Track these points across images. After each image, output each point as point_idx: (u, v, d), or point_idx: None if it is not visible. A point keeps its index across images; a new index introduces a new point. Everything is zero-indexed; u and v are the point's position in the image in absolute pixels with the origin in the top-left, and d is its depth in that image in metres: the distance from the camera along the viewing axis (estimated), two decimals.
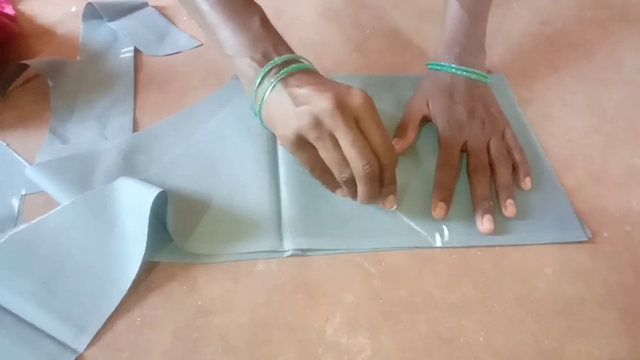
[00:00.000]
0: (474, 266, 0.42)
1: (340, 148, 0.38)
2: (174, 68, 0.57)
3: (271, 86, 0.40)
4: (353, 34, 0.64)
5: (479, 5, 0.53)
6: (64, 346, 0.36)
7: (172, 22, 0.63)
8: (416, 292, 0.40)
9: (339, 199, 0.45)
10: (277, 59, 0.41)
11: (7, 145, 0.48)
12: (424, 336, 0.38)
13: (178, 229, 0.41)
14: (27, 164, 0.46)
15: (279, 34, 0.43)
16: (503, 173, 0.46)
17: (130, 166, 0.46)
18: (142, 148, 0.48)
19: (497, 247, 0.43)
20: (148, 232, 0.38)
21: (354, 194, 0.41)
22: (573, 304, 0.40)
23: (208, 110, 0.51)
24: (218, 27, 0.43)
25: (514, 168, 0.47)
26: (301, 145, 0.39)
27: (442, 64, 0.52)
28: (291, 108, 0.38)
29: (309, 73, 0.41)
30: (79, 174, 0.44)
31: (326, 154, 0.39)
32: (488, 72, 0.59)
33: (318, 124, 0.37)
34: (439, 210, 0.43)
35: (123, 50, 0.58)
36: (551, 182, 0.48)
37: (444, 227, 0.43)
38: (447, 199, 0.44)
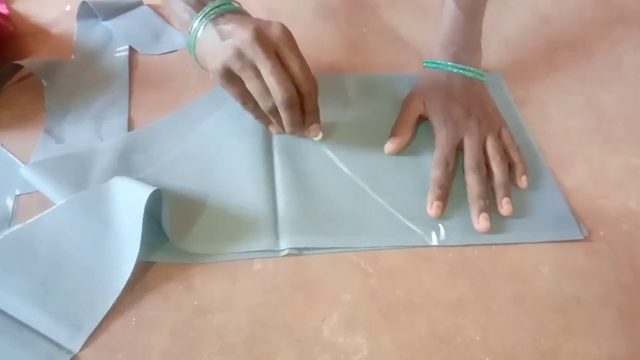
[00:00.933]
0: (470, 265, 0.42)
1: (262, 79, 0.41)
2: (169, 67, 0.57)
3: (203, 26, 0.43)
4: (349, 33, 0.63)
5: (475, 4, 0.53)
6: (59, 346, 0.35)
7: (167, 21, 0.63)
8: (413, 291, 0.40)
9: (335, 197, 0.45)
10: (210, 4, 0.44)
11: (2, 144, 0.47)
12: (421, 335, 0.37)
13: (175, 229, 0.40)
14: (22, 164, 0.45)
15: None
16: (499, 172, 0.46)
17: (125, 165, 0.45)
18: (138, 147, 0.47)
19: (494, 246, 0.43)
20: (144, 232, 0.38)
21: (280, 124, 0.44)
22: (570, 303, 0.40)
23: (204, 110, 0.51)
24: None
25: (510, 167, 0.47)
26: (229, 77, 0.42)
27: (438, 62, 0.52)
28: (218, 42, 0.42)
29: (238, 13, 0.45)
30: (74, 173, 0.44)
31: (250, 85, 0.42)
32: (485, 71, 0.59)
33: (240, 55, 0.40)
34: (435, 209, 0.43)
35: (118, 49, 0.58)
36: (547, 181, 0.48)
37: (441, 226, 0.43)
38: (443, 198, 0.44)
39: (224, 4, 0.44)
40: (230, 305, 0.38)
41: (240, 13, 0.45)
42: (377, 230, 0.43)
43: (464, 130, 0.48)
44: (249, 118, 0.50)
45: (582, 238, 0.43)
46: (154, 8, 0.64)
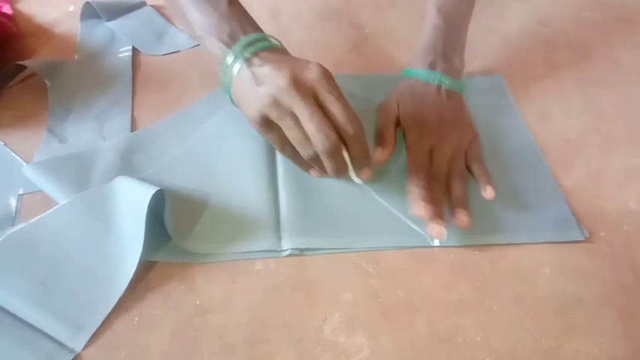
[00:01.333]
0: (471, 266, 0.42)
1: (301, 126, 0.38)
2: (172, 68, 0.57)
3: (237, 66, 0.40)
4: (351, 34, 0.64)
5: (457, 13, 0.52)
6: (62, 345, 0.35)
7: (170, 22, 0.63)
8: (414, 292, 0.40)
9: (337, 198, 0.45)
10: (243, 39, 0.41)
11: (5, 144, 0.48)
12: (422, 335, 0.38)
13: (177, 228, 0.41)
14: (24, 163, 0.46)
15: (246, 13, 0.44)
16: (456, 186, 0.45)
17: (128, 165, 0.46)
18: (141, 147, 0.48)
19: (495, 247, 0.43)
20: (146, 232, 0.38)
21: (323, 171, 0.41)
22: (571, 303, 0.40)
23: (206, 110, 0.51)
24: (187, 8, 0.43)
25: (476, 179, 0.46)
26: (267, 125, 0.40)
27: (415, 70, 0.51)
28: (254, 88, 0.39)
29: (273, 51, 0.41)
30: (77, 173, 0.44)
31: (288, 133, 0.39)
32: (488, 73, 0.59)
33: (276, 103, 0.38)
34: (424, 209, 0.42)
35: (121, 50, 0.58)
36: (548, 182, 0.48)
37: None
38: (426, 198, 0.43)
39: (259, 40, 0.41)
40: (231, 305, 0.38)
41: (275, 50, 0.42)
42: (379, 231, 0.43)
43: (434, 138, 0.47)
44: None
45: (583, 239, 0.44)
46: (157, 9, 0.64)
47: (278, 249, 0.41)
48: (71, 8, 0.63)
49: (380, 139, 0.48)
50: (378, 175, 0.47)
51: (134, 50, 0.58)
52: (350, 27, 0.65)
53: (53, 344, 0.35)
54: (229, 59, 0.41)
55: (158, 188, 0.39)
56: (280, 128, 0.39)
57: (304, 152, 0.40)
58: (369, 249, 0.42)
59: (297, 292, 0.39)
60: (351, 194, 0.45)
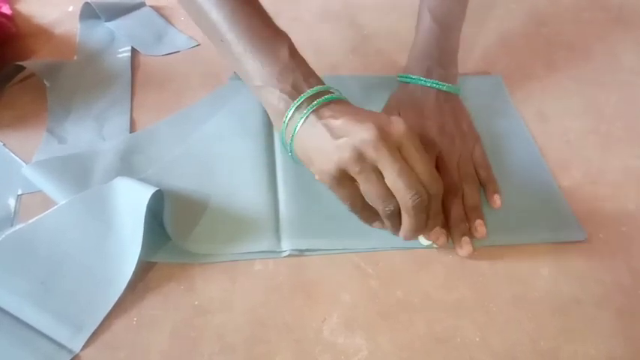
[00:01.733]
0: (470, 266, 0.42)
1: (384, 181, 0.36)
2: (171, 68, 0.57)
3: (303, 118, 0.38)
4: (351, 35, 0.64)
5: (451, 18, 0.52)
6: (61, 346, 0.36)
7: (170, 22, 0.63)
8: (413, 293, 0.40)
9: (336, 200, 0.45)
10: (309, 91, 0.39)
11: (4, 144, 0.48)
12: (421, 336, 0.38)
13: (177, 229, 0.41)
14: (24, 164, 0.46)
15: (308, 65, 0.41)
16: (470, 194, 0.45)
17: (127, 166, 0.46)
18: (140, 148, 0.48)
19: (494, 248, 0.43)
20: (145, 232, 0.38)
21: (397, 227, 0.38)
22: (569, 304, 0.40)
23: (206, 110, 0.51)
24: (245, 57, 0.41)
25: (483, 185, 0.47)
26: (342, 179, 0.37)
27: (412, 76, 0.51)
28: (329, 141, 0.36)
29: (342, 103, 0.40)
30: (77, 173, 0.44)
31: (369, 188, 0.36)
32: (486, 73, 0.59)
33: (360, 156, 0.35)
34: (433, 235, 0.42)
35: (120, 50, 0.58)
36: (547, 183, 0.48)
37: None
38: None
39: (324, 92, 0.39)
40: (230, 305, 0.39)
41: (343, 102, 0.40)
42: (378, 233, 0.43)
43: (438, 148, 0.46)
44: (251, 119, 0.50)
45: (583, 239, 0.44)
46: (157, 9, 0.64)
47: (277, 250, 0.41)
48: (70, 9, 0.63)
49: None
50: None
51: (133, 51, 0.58)
52: (349, 28, 0.65)
53: (52, 344, 0.35)
54: (293, 110, 0.38)
55: (157, 189, 0.39)
56: (355, 184, 0.37)
57: (385, 208, 0.37)
58: (368, 250, 0.42)
59: (297, 292, 0.40)
60: None
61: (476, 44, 0.63)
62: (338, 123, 0.37)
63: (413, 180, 0.36)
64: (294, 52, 0.41)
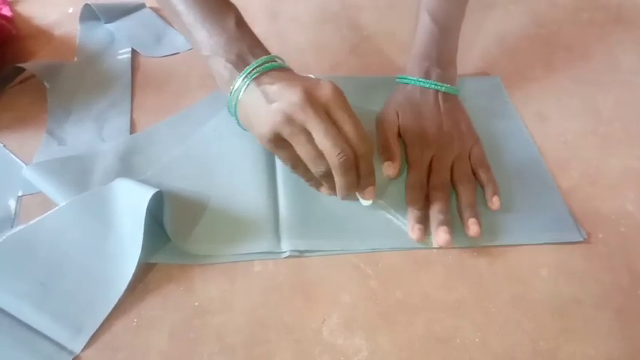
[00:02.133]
0: (469, 267, 0.42)
1: (314, 142, 0.38)
2: (171, 69, 0.57)
3: (245, 86, 0.40)
4: (350, 36, 0.64)
5: (450, 19, 0.52)
6: (61, 347, 0.36)
7: (169, 24, 0.63)
8: (412, 293, 0.40)
9: (336, 200, 0.45)
10: (252, 60, 0.41)
11: (4, 146, 0.48)
12: (420, 336, 0.38)
13: (177, 230, 0.41)
14: (24, 165, 0.46)
15: (254, 35, 0.44)
16: (464, 193, 0.45)
17: (127, 167, 0.46)
18: (140, 149, 0.48)
19: (493, 248, 0.43)
20: (145, 233, 0.38)
21: (333, 188, 0.41)
22: (569, 304, 0.40)
23: (206, 112, 0.51)
24: (194, 28, 0.43)
25: (482, 187, 0.47)
26: (278, 142, 0.39)
27: (411, 78, 0.51)
28: (265, 106, 0.39)
29: (282, 71, 0.42)
30: (77, 175, 0.44)
31: (301, 149, 0.39)
32: (485, 74, 0.59)
33: (290, 119, 0.38)
34: (417, 232, 0.42)
35: (120, 51, 0.58)
36: (546, 183, 0.48)
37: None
38: (423, 219, 0.43)
39: (267, 62, 0.41)
40: (230, 306, 0.39)
41: (284, 70, 0.42)
42: (377, 233, 0.43)
43: (435, 149, 0.47)
44: None
45: (581, 240, 0.44)
46: (156, 11, 0.64)
47: (277, 250, 0.42)
48: (70, 10, 0.63)
49: (386, 153, 0.48)
50: (377, 178, 0.47)
51: (133, 52, 0.58)
52: (348, 29, 0.65)
53: (52, 346, 0.36)
54: (238, 79, 0.41)
55: (157, 190, 0.39)
56: (292, 145, 0.39)
57: (317, 169, 0.39)
58: (368, 250, 0.42)
59: (296, 293, 0.40)
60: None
61: (475, 45, 0.63)
62: (273, 88, 0.39)
63: (339, 139, 0.38)
64: (240, 23, 0.43)
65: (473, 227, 0.43)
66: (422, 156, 0.47)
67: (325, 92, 0.39)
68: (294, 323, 0.38)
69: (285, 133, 0.38)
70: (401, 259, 0.42)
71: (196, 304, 0.39)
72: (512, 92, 0.57)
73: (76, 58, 0.57)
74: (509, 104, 0.56)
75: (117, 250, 0.39)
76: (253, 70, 0.40)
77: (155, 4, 0.65)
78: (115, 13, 0.62)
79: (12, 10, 0.60)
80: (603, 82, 0.60)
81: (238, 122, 0.43)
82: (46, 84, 0.53)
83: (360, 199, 0.43)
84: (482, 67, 0.60)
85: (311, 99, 0.38)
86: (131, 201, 0.40)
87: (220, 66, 0.42)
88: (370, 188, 0.42)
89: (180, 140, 0.49)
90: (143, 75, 0.56)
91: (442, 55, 0.51)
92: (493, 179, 0.47)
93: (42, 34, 0.60)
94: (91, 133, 0.50)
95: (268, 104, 0.38)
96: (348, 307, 0.39)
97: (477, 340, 0.38)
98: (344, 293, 0.40)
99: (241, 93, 0.41)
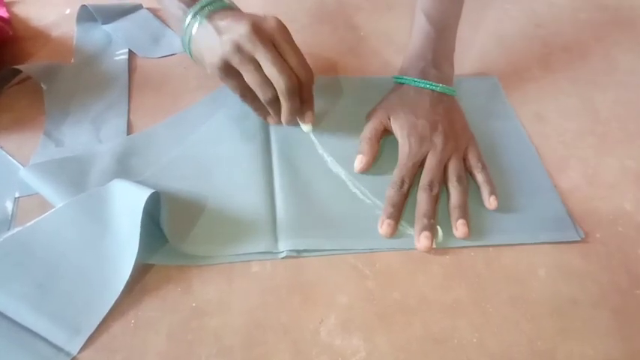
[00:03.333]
0: (467, 267, 0.42)
1: (262, 71, 0.42)
2: (168, 70, 0.57)
3: (197, 22, 0.44)
4: (347, 37, 0.64)
5: (446, 19, 0.52)
6: (58, 349, 0.35)
7: (167, 25, 0.63)
8: (410, 294, 0.40)
9: (334, 200, 0.45)
10: (204, 0, 0.45)
11: (1, 147, 0.48)
12: (418, 337, 0.38)
13: (174, 231, 0.41)
14: (21, 166, 0.46)
15: None
16: (455, 194, 0.45)
17: (124, 168, 0.46)
18: (137, 150, 0.48)
19: (491, 248, 0.43)
20: (142, 234, 0.38)
21: (278, 114, 0.46)
22: (566, 304, 0.40)
23: (203, 113, 0.51)
24: None
25: (479, 187, 0.47)
26: (228, 72, 0.43)
27: (407, 78, 0.51)
28: (216, 38, 0.43)
29: (231, 9, 0.46)
30: (74, 176, 0.44)
31: (249, 77, 0.43)
32: (482, 74, 0.59)
33: (238, 48, 0.42)
34: (386, 227, 0.43)
35: (117, 53, 0.58)
36: (544, 183, 0.48)
37: (438, 228, 0.43)
38: (395, 216, 0.43)
39: (216, 1, 0.45)
40: (227, 307, 0.39)
41: (233, 8, 0.46)
42: (374, 233, 0.43)
43: (428, 147, 0.47)
44: (248, 121, 0.50)
45: (579, 239, 0.44)
46: (154, 11, 0.64)
47: (275, 251, 0.41)
48: (67, 11, 0.63)
49: (362, 148, 0.48)
50: (374, 178, 0.47)
51: (130, 53, 0.58)
52: (345, 29, 0.65)
53: (50, 348, 0.35)
54: (190, 17, 0.45)
55: (154, 191, 0.39)
56: (240, 75, 0.43)
57: (264, 95, 0.44)
58: (365, 250, 0.42)
59: (294, 294, 0.40)
60: (346, 197, 0.45)
61: (472, 45, 0.63)
62: (223, 23, 0.43)
63: (285, 67, 0.42)
64: None
65: (461, 228, 0.43)
66: (412, 153, 0.47)
67: (271, 25, 0.43)
68: (291, 324, 0.38)
69: (235, 61, 0.42)
70: (398, 259, 0.42)
71: (194, 305, 0.39)
72: (510, 92, 0.57)
73: (73, 60, 0.57)
74: (506, 104, 0.56)
75: (114, 252, 0.39)
76: (205, 7, 0.44)
77: (152, 5, 0.65)
78: (112, 14, 0.62)
79: (9, 11, 0.60)
80: (601, 83, 0.60)
81: (191, 56, 0.47)
82: (43, 86, 0.53)
83: (302, 125, 0.49)
84: (480, 67, 0.60)
85: (258, 31, 0.42)
86: (128, 202, 0.40)
87: (173, 5, 0.46)
88: (309, 112, 0.47)
89: (177, 142, 0.49)
90: (140, 76, 0.56)
91: (438, 55, 0.51)
92: (490, 179, 0.47)
93: (39, 36, 0.60)
94: (89, 134, 0.49)
95: (219, 36, 0.43)
96: (346, 307, 0.39)
97: (475, 340, 0.38)
98: (341, 294, 0.40)
99: (194, 29, 0.45)
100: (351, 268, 0.41)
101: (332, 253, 0.42)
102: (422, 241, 0.42)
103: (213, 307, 0.38)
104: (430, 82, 0.50)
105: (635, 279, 0.42)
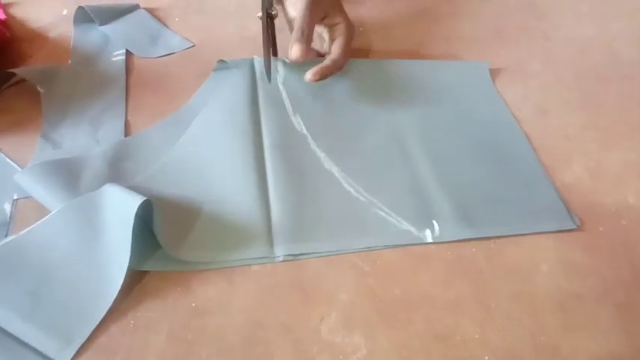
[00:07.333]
0: (468, 263, 0.41)
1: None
2: (166, 70, 0.57)
3: None
4: None
5: None
6: (49, 359, 0.35)
7: (164, 24, 0.63)
8: (411, 290, 0.40)
9: (328, 202, 0.44)
10: None
11: None
12: (420, 334, 0.37)
13: (168, 237, 0.40)
14: (19, 169, 0.46)
15: None
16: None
17: (116, 173, 0.45)
18: (128, 155, 0.47)
19: (492, 244, 0.43)
20: (136, 241, 0.37)
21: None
22: (569, 299, 0.40)
23: (195, 112, 0.50)
24: None
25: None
26: None
27: None
28: None
29: None
30: (66, 179, 0.43)
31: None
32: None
33: None
34: (295, 49, 0.47)
35: (115, 53, 0.58)
36: (537, 173, 0.48)
37: (434, 222, 0.43)
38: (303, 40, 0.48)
39: None
40: (227, 307, 0.38)
41: None
42: (371, 231, 0.43)
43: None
44: (238, 115, 0.50)
45: (575, 227, 0.43)
46: (151, 11, 0.64)
47: (271, 256, 0.41)
48: (65, 12, 0.63)
49: (300, 36, 0.49)
50: (368, 175, 0.46)
51: (127, 53, 0.58)
52: None
53: (40, 358, 0.35)
54: None
55: (145, 198, 0.38)
56: None
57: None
58: (363, 250, 0.42)
59: (294, 292, 0.39)
60: (341, 195, 0.45)
61: (473, 39, 0.63)
62: None
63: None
64: None
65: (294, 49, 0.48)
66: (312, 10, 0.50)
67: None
68: (292, 323, 0.38)
69: None
70: (399, 256, 0.42)
71: (194, 305, 0.38)
72: (511, 86, 0.57)
73: (70, 61, 0.57)
74: (493, 92, 0.55)
75: (106, 261, 0.38)
76: None
77: (149, 5, 0.65)
78: (109, 15, 0.61)
79: (6, 12, 0.60)
80: (603, 75, 0.59)
81: None
82: (39, 89, 0.52)
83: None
84: (480, 60, 0.60)
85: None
86: (119, 209, 0.39)
87: None
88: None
89: (169, 144, 0.48)
90: (138, 76, 0.56)
91: None
92: (327, 66, 0.51)
93: (36, 37, 0.60)
94: (87, 136, 0.49)
95: None
96: (347, 305, 0.39)
97: (477, 336, 0.37)
98: (342, 291, 0.39)
99: None
100: (351, 265, 0.41)
101: (329, 254, 0.42)
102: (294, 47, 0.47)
103: (213, 306, 0.38)
104: None
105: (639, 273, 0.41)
